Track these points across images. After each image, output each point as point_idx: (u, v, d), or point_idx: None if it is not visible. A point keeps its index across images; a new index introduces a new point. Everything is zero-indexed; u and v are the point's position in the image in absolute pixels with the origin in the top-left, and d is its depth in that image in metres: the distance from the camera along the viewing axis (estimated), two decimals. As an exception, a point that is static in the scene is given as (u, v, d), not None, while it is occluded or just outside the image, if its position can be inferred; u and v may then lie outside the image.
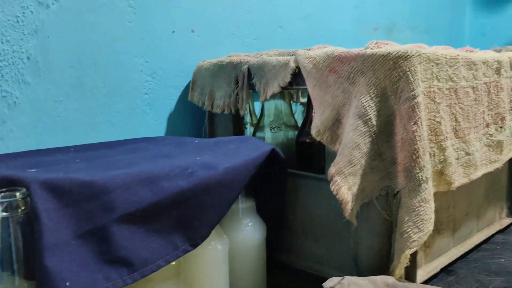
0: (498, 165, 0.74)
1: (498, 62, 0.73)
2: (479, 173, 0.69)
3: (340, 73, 0.57)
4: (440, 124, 0.58)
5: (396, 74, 0.53)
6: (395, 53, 0.53)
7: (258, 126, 0.76)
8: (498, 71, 0.73)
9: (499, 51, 1.17)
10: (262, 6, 0.98)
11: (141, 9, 0.79)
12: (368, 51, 0.55)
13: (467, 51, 0.81)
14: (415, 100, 0.53)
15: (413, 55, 0.54)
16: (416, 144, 0.53)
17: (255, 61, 0.69)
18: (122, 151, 0.63)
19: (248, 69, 0.70)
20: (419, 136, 0.53)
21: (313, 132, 0.59)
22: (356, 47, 1.23)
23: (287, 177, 0.64)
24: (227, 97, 0.73)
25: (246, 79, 0.70)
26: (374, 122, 0.54)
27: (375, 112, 0.54)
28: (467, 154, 0.65)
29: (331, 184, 0.54)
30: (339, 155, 0.55)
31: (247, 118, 0.84)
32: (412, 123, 0.53)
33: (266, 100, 0.67)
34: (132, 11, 0.77)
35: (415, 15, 1.45)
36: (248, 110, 0.84)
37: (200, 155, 0.56)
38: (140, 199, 0.46)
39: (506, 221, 0.85)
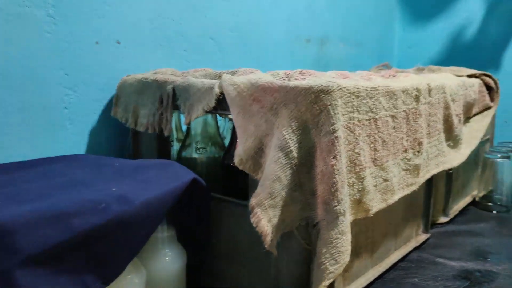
0: (414, 187, 0.77)
1: (417, 90, 0.76)
2: (396, 197, 0.71)
3: (264, 103, 0.57)
4: (359, 155, 0.60)
5: (318, 108, 0.54)
6: (316, 87, 0.54)
7: (184, 145, 0.74)
8: (417, 98, 0.76)
9: (422, 69, 1.24)
10: (193, 16, 0.96)
11: (62, 19, 0.74)
12: (291, 83, 0.55)
13: (390, 75, 0.84)
14: (335, 134, 0.54)
15: (334, 89, 0.54)
16: (335, 177, 0.53)
17: (180, 82, 0.67)
18: (34, 175, 0.59)
19: (173, 89, 0.68)
20: (338, 170, 0.54)
21: (236, 160, 0.58)
22: (289, 59, 1.24)
23: (210, 204, 0.63)
24: (151, 116, 0.71)
25: (171, 99, 0.68)
26: (295, 155, 0.54)
27: (296, 145, 0.54)
28: (385, 180, 0.68)
29: (251, 216, 0.54)
30: (260, 187, 0.55)
31: (174, 134, 0.82)
32: (332, 157, 0.54)
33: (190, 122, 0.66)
34: (52, 21, 0.73)
35: (347, 28, 1.49)
36: (174, 125, 0.82)
37: (118, 184, 0.54)
38: (48, 239, 0.44)
39: (422, 238, 0.90)
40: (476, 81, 1.12)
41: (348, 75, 0.67)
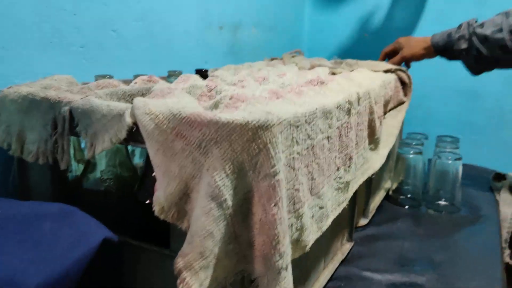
0: (345, 204, 0.73)
1: (349, 102, 0.70)
2: (330, 221, 0.66)
3: (190, 140, 0.47)
4: (298, 191, 0.53)
5: (256, 147, 0.45)
6: (254, 122, 0.45)
7: (85, 174, 0.61)
8: (349, 111, 0.71)
9: (340, 63, 1.20)
10: (90, 6, 0.80)
11: None
12: (223, 117, 0.45)
13: (318, 82, 0.77)
14: (276, 178, 0.46)
15: (274, 124, 0.46)
16: (276, 228, 0.46)
17: (80, 103, 0.54)
18: None
19: (70, 112, 0.54)
20: (280, 219, 0.46)
21: (156, 208, 0.48)
22: (201, 49, 1.12)
23: (121, 257, 0.52)
24: (42, 142, 0.57)
25: (68, 124, 0.55)
26: (230, 203, 0.45)
27: (231, 191, 0.45)
28: (321, 208, 0.62)
29: (178, 282, 0.45)
30: (189, 244, 0.45)
31: (71, 154, 0.68)
32: (273, 204, 0.46)
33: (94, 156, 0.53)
34: None
35: (260, 13, 1.40)
36: (72, 144, 0.68)
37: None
38: None
39: (347, 247, 0.87)
40: (392, 77, 1.10)
41: (280, 93, 0.59)
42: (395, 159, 1.17)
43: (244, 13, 1.31)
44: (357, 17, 1.69)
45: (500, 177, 1.29)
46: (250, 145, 0.45)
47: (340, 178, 0.70)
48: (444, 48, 1.12)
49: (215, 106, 0.51)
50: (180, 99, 0.51)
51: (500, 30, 1.00)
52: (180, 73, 0.91)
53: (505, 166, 1.49)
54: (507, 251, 1.12)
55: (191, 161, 0.47)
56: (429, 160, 1.20)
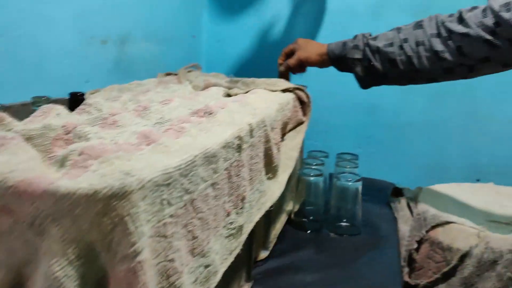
0: (238, 249, 0.65)
1: (239, 138, 0.63)
2: (220, 275, 0.58)
3: (20, 216, 0.36)
4: (173, 261, 0.44)
5: (109, 222, 0.35)
6: (105, 191, 0.35)
7: None
8: (239, 148, 0.63)
9: (236, 81, 1.12)
10: None
11: None
12: (64, 186, 0.35)
13: (205, 112, 0.69)
14: (137, 259, 0.36)
15: (133, 190, 0.36)
16: (139, 323, 0.36)
17: None
18: None
19: None
20: (143, 310, 0.37)
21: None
22: (82, 66, 0.99)
23: None
24: None
25: None
26: (76, 297, 0.35)
27: (77, 283, 0.35)
28: (207, 266, 0.53)
29: None
30: None
31: None
32: (134, 292, 0.36)
33: None
34: None
35: (152, 23, 1.29)
36: None
37: None
38: None
39: (245, 289, 0.80)
40: (290, 97, 1.05)
41: (153, 137, 0.49)
42: (296, 179, 1.13)
43: (133, 25, 1.19)
44: (257, 27, 1.64)
45: (398, 192, 1.31)
46: (101, 220, 0.35)
47: (232, 223, 0.62)
48: (338, 57, 1.12)
49: (61, 164, 0.40)
50: (13, 156, 0.39)
51: (391, 44, 1.01)
52: (47, 100, 0.78)
53: (404, 178, 1.54)
54: (406, 269, 1.13)
55: (22, 243, 0.36)
56: (331, 176, 1.18)
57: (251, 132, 0.69)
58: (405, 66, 1.00)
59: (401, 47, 1.00)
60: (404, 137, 1.55)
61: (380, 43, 1.03)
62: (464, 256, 1.00)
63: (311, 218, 1.10)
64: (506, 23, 0.84)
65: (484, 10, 0.89)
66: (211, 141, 0.54)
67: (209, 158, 0.52)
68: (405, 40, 0.99)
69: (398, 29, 1.03)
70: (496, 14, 0.86)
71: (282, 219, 1.09)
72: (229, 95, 0.98)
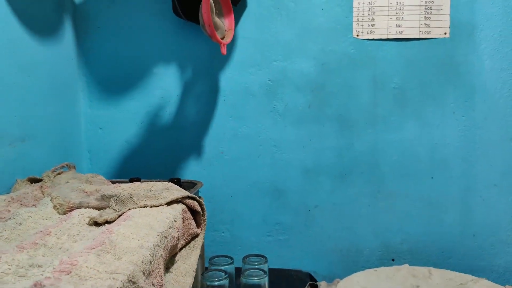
0: None
1: None
2: None
3: None
4: None
5: None
6: None
7: None
8: None
9: (110, 197, 0.92)
10: None
11: None
12: None
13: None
14: None
15: None
16: None
17: None
18: None
19: None
20: None
21: None
22: None
23: None
24: None
25: None
26: None
27: None
28: None
29: None
30: None
31: None
32: None
33: None
34: None
35: (3, 119, 1.05)
36: None
37: None
38: None
39: None
40: (178, 210, 0.87)
41: None
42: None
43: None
44: (145, 111, 1.46)
45: (314, 287, 1.17)
46: None
47: None
48: None
49: None
50: None
51: None
52: None
53: (319, 264, 1.43)
54: None
55: None
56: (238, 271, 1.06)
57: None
58: None
59: None
60: (313, 221, 1.43)
61: None
62: None
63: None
64: None
65: None
66: None
67: None
68: None
69: None
70: None
71: None
72: (96, 223, 0.77)
